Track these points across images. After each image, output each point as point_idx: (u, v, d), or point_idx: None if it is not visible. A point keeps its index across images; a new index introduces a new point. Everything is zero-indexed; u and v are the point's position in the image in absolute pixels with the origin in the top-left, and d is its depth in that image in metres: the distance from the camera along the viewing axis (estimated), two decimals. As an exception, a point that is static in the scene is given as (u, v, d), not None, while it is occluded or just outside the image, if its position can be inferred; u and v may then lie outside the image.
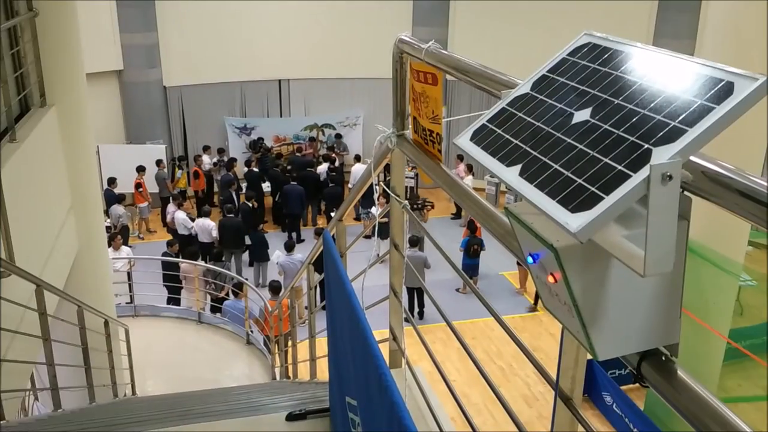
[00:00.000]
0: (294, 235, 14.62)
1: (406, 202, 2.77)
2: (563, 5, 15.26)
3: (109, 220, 12.88)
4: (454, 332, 2.37)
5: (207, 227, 12.73)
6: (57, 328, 4.85)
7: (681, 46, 13.88)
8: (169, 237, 12.90)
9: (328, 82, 17.59)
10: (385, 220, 2.98)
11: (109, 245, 9.55)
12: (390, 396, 1.75)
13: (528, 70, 1.40)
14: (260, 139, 17.08)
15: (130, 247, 12.33)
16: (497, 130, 1.30)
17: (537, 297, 11.98)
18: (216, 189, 16.27)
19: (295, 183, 14.77)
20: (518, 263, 11.77)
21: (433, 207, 14.02)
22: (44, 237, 5.46)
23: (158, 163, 15.30)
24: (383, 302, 3.23)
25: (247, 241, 13.00)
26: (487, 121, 1.35)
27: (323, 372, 4.13)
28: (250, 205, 13.83)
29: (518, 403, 9.21)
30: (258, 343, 9.50)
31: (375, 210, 12.88)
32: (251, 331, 9.62)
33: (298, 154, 16.71)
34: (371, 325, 2.12)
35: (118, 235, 11.37)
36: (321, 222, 15.63)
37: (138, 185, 14.81)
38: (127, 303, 10.13)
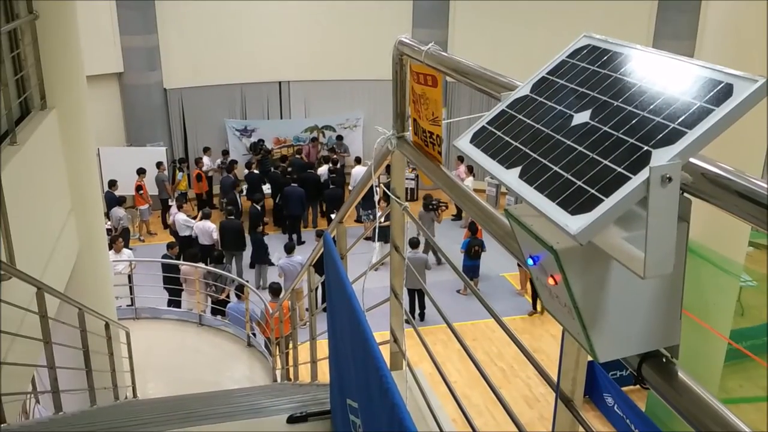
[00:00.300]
0: (294, 236, 14.62)
1: (407, 204, 2.77)
2: (563, 6, 15.27)
3: (109, 223, 12.89)
4: (455, 334, 2.37)
5: (207, 229, 12.72)
6: (58, 331, 4.85)
7: (681, 47, 13.88)
8: (170, 239, 12.90)
9: (328, 83, 17.60)
10: (387, 224, 2.98)
11: (110, 248, 9.56)
12: (391, 398, 1.75)
13: (528, 71, 1.40)
14: (261, 141, 17.09)
15: (130, 249, 12.33)
16: (497, 132, 1.31)
17: (535, 300, 11.91)
18: (216, 191, 16.28)
19: (296, 185, 14.78)
20: (519, 264, 11.76)
21: (447, 207, 14.00)
22: (45, 239, 5.46)
23: (158, 165, 15.31)
24: (384, 304, 3.23)
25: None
26: (487, 123, 1.35)
27: (324, 374, 4.13)
28: (258, 207, 13.83)
29: (519, 405, 9.20)
30: (259, 346, 9.49)
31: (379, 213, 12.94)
32: (254, 334, 9.62)
33: (297, 156, 16.72)
34: (372, 326, 2.12)
35: (119, 238, 11.37)
36: (322, 224, 15.63)
37: (138, 187, 14.82)
38: (127, 305, 10.13)
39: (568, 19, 14.58)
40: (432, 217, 13.29)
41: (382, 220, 3.02)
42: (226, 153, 16.62)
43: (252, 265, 13.15)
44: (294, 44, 16.85)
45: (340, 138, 17.77)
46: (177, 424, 4.32)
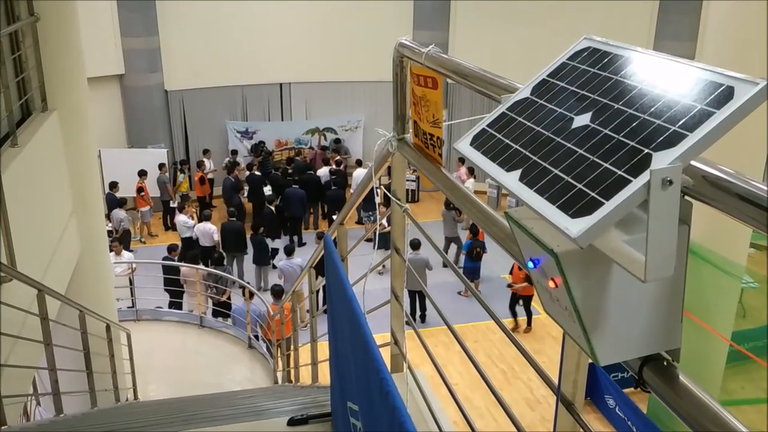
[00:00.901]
0: (295, 238, 14.61)
1: (407, 206, 2.77)
2: (564, 7, 15.27)
3: (110, 224, 12.89)
4: (456, 336, 2.36)
5: (208, 231, 12.72)
6: (59, 333, 4.84)
7: (682, 48, 13.88)
8: (171, 240, 12.88)
9: (329, 85, 17.61)
10: (388, 229, 2.97)
11: (110, 250, 9.55)
12: (391, 400, 1.74)
13: (530, 72, 1.40)
14: (262, 142, 17.10)
15: (131, 251, 12.32)
16: (497, 134, 1.30)
17: (529, 315, 11.70)
18: (217, 192, 16.28)
19: (297, 186, 14.77)
20: (512, 270, 11.70)
21: None
22: (46, 241, 5.46)
23: (160, 167, 15.32)
24: (384, 306, 3.22)
25: (272, 245, 13.03)
26: (487, 125, 1.35)
27: (325, 376, 4.12)
28: (273, 209, 13.80)
29: (520, 407, 9.19)
30: (260, 347, 9.49)
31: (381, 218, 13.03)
32: (256, 336, 9.61)
33: (297, 157, 16.71)
34: (372, 329, 2.11)
35: (116, 241, 11.36)
36: (323, 225, 15.62)
37: (140, 189, 14.82)
38: (128, 307, 10.13)
39: (569, 21, 14.58)
40: (453, 215, 13.37)
41: (386, 225, 3.01)
42: (234, 153, 16.65)
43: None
44: (295, 46, 16.86)
45: (337, 141, 17.75)
46: (178, 425, 4.32)
